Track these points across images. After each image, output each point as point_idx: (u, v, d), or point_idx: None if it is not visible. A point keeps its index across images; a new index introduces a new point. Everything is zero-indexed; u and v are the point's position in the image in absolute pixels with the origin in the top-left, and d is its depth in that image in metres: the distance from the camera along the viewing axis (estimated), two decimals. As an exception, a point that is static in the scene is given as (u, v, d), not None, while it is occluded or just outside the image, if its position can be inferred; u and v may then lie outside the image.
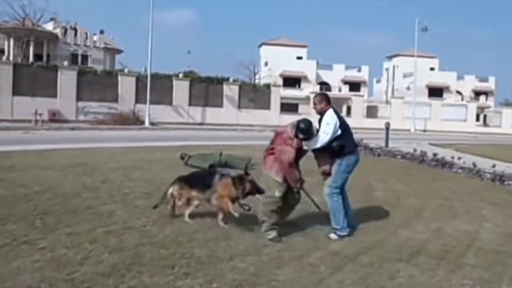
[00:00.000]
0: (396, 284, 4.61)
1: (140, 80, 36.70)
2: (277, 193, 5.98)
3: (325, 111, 6.40)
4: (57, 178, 9.25)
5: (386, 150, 19.09)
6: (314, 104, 6.55)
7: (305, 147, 6.34)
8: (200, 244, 5.50)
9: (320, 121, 6.45)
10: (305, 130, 6.08)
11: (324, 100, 6.51)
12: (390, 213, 7.80)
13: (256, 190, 6.15)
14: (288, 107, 46.98)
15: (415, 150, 17.46)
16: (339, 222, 6.21)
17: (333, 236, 6.14)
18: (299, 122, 6.22)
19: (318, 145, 6.21)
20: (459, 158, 15.63)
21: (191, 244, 5.47)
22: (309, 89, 58.61)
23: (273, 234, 5.85)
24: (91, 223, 6.11)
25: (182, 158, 11.90)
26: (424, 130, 47.20)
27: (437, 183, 11.62)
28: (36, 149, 14.18)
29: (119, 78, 36.53)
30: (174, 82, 38.64)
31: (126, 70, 38.52)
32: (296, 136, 6.07)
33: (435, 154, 16.06)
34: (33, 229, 5.73)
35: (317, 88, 61.14)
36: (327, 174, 6.40)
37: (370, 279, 4.68)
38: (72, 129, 27.70)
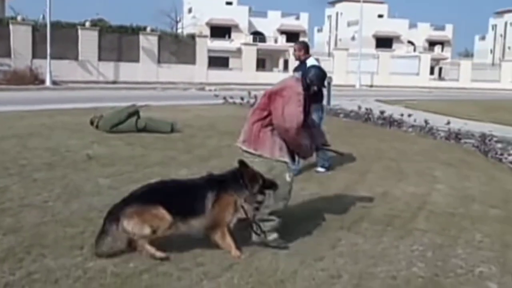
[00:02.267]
0: (336, 254, 4.78)
1: (37, 30, 35.21)
2: (288, 178, 4.99)
3: (305, 59, 8.22)
4: None
5: (327, 108, 19.42)
6: (294, 50, 8.51)
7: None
8: (113, 220, 5.45)
9: (297, 69, 7.91)
10: (321, 76, 5.32)
11: (303, 48, 8.41)
12: (330, 178, 8.04)
13: (270, 184, 4.80)
14: (217, 61, 46.83)
15: (359, 108, 17.94)
16: (327, 157, 8.34)
17: (321, 169, 8.51)
18: (309, 69, 5.42)
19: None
20: (409, 116, 16.22)
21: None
22: (240, 40, 58.49)
23: (275, 235, 4.91)
24: (-21, 201, 5.91)
25: (91, 123, 11.70)
26: (371, 86, 48.42)
27: (384, 143, 12.04)
28: None
29: (11, 27, 34.87)
30: (80, 32, 37.37)
31: (19, 18, 36.75)
32: (306, 89, 5.13)
33: (382, 112, 16.55)
34: None
35: (249, 39, 61.16)
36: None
37: (308, 249, 4.83)
38: (-47, 90, 26.38)
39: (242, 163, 4.73)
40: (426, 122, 14.61)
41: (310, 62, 8.02)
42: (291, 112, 4.84)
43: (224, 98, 21.77)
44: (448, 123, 14.63)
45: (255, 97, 20.21)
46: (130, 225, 4.36)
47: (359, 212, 6.18)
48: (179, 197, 4.58)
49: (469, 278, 4.44)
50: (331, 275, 4.31)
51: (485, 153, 11.34)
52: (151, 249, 4.39)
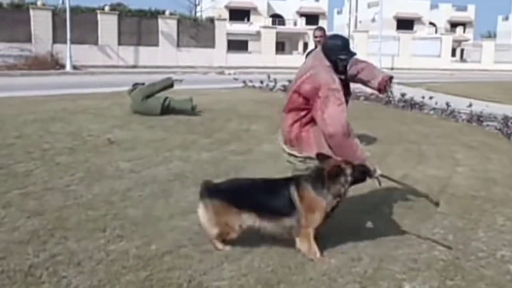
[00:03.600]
0: (357, 237, 4.77)
1: (57, 15, 35.38)
2: None
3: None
4: (-41, 134, 8.97)
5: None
6: (321, 36, 8.32)
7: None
8: (135, 203, 5.53)
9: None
10: (345, 46, 4.73)
11: (325, 33, 8.46)
12: (351, 161, 8.01)
13: (363, 172, 4.38)
14: (236, 44, 46.71)
15: (380, 91, 17.73)
16: None
17: None
18: (331, 38, 4.94)
19: None
20: (430, 98, 16.09)
21: (124, 204, 5.49)
22: (259, 23, 58.25)
23: None
24: (3, 185, 6.00)
25: (134, 85, 12.30)
26: (392, 68, 47.89)
27: (405, 126, 11.96)
28: None
29: (31, 12, 35.08)
30: (99, 16, 37.50)
31: (39, 3, 36.94)
32: (336, 68, 4.66)
33: (403, 94, 16.43)
34: None
35: (268, 22, 60.92)
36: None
37: (329, 232, 4.83)
38: (-24, 76, 26.65)
39: (320, 155, 4.33)
40: (447, 104, 14.48)
41: None
42: (331, 114, 4.36)
43: (244, 81, 21.73)
44: (470, 105, 14.46)
45: (275, 80, 20.24)
46: (203, 216, 4.32)
47: (379, 195, 6.15)
48: (264, 198, 4.31)
49: (491, 261, 4.42)
50: (352, 258, 4.32)
51: (508, 136, 11.23)
52: (218, 244, 4.34)
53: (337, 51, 4.65)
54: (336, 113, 4.35)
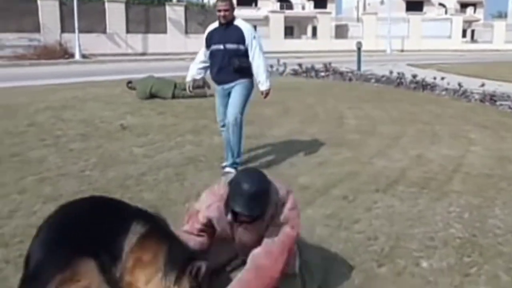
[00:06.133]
0: (373, 216, 4.78)
1: (64, 4, 35.36)
2: None
3: (232, 20, 6.12)
4: (-28, 124, 9.03)
5: (358, 74, 19.34)
6: (226, 10, 5.97)
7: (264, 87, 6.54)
8: (150, 187, 5.55)
9: (215, 32, 6.38)
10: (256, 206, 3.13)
11: (232, 6, 6.10)
12: (364, 142, 8.00)
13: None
14: (245, 30, 46.51)
15: (391, 73, 17.72)
16: (240, 154, 6.36)
17: (230, 169, 6.05)
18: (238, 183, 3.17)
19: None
20: (442, 79, 16.01)
21: (139, 188, 5.52)
22: (267, 8, 57.87)
23: None
24: (18, 172, 6.04)
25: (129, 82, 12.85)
26: (402, 50, 47.66)
27: (417, 107, 11.88)
28: None
29: (39, 2, 35.08)
30: (107, 5, 37.45)
31: (46, -7, 37.07)
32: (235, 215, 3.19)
33: (414, 76, 16.36)
34: None
35: (276, 6, 60.58)
36: None
37: (344, 213, 4.84)
38: (-14, 67, 26.75)
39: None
40: (459, 85, 14.39)
41: (241, 24, 6.19)
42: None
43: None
44: (483, 85, 14.37)
45: (284, 64, 20.23)
46: None
47: (393, 175, 6.15)
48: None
49: (508, 238, 4.40)
50: (368, 237, 4.32)
51: (522, 115, 11.16)
52: None
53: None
54: None
